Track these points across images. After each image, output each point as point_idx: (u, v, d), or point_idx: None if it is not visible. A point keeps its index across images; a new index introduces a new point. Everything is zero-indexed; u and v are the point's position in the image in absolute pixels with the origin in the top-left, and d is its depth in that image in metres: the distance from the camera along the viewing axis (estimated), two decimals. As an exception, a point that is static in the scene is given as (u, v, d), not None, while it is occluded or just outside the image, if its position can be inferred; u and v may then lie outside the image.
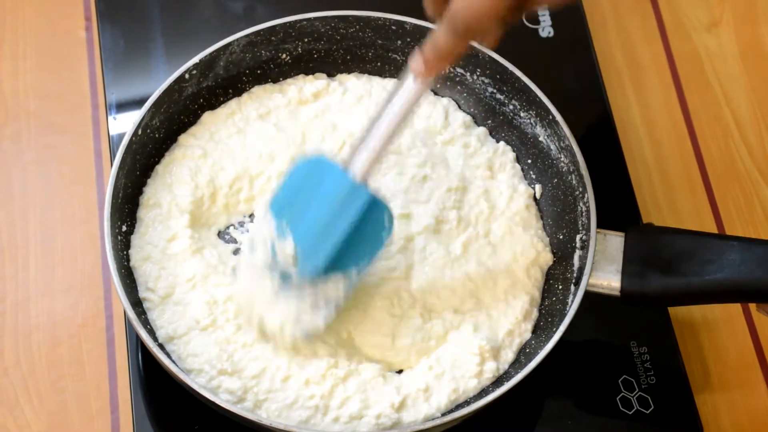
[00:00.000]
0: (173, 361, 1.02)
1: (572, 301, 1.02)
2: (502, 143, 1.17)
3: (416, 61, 0.91)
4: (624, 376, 1.13)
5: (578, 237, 1.08)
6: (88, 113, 1.28)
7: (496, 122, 1.19)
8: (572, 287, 1.05)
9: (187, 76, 1.11)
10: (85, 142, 1.26)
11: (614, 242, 1.04)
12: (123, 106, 1.22)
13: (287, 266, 0.99)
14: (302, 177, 0.99)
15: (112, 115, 1.22)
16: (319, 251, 0.97)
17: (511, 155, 1.17)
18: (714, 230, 1.27)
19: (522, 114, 1.15)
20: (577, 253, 1.07)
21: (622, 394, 1.13)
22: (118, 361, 1.16)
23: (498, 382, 1.05)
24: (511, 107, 1.16)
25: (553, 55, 1.29)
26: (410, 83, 0.93)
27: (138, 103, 1.13)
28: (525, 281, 1.10)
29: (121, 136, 1.08)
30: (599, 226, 1.05)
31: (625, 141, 1.29)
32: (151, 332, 1.05)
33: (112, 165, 1.07)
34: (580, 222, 1.08)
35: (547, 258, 1.11)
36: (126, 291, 1.03)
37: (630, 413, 1.11)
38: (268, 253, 1.00)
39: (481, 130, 1.18)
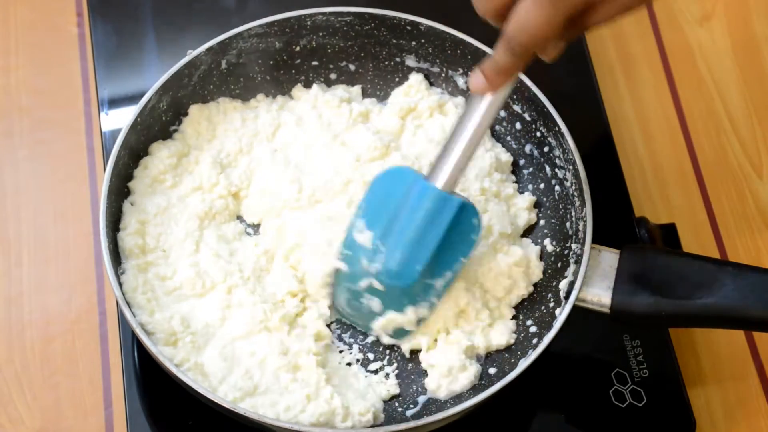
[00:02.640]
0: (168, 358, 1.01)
1: (560, 314, 1.02)
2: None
3: (476, 77, 0.93)
4: (617, 369, 1.13)
5: (573, 250, 1.08)
6: (80, 109, 1.27)
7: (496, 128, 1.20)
8: (563, 300, 1.05)
9: (198, 62, 1.11)
10: (78, 138, 1.26)
11: (608, 259, 1.03)
12: (115, 102, 1.21)
13: (372, 277, 1.02)
14: (387, 188, 1.02)
15: (105, 111, 1.21)
16: (416, 261, 1.01)
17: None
18: (706, 224, 1.27)
19: (527, 125, 1.15)
20: (571, 267, 1.07)
21: (615, 387, 1.12)
22: (112, 357, 1.15)
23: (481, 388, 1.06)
24: (516, 117, 1.17)
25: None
26: (477, 100, 0.95)
27: (131, 99, 1.13)
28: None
29: (113, 132, 1.10)
30: (594, 230, 1.05)
31: (618, 135, 1.28)
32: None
33: (105, 161, 1.06)
34: (576, 235, 1.08)
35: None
36: (120, 285, 1.03)
37: (623, 406, 1.11)
38: (360, 265, 1.02)
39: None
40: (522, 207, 1.14)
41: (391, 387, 1.07)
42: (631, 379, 1.12)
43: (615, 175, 1.22)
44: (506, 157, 1.17)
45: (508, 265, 1.09)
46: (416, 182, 1.00)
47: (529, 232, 1.15)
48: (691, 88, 1.34)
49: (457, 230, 1.01)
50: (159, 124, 1.12)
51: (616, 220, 1.18)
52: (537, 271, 1.11)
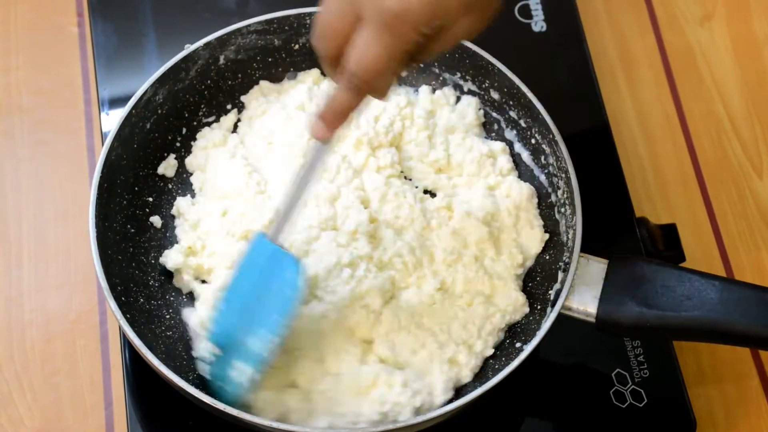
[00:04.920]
0: (162, 360, 0.99)
1: (545, 322, 1.00)
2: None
3: (316, 125, 0.91)
4: (617, 369, 1.12)
5: (563, 259, 1.06)
6: (80, 109, 1.27)
7: (492, 135, 1.18)
8: (549, 309, 1.04)
9: (195, 56, 1.11)
10: (78, 138, 1.25)
11: (596, 268, 1.02)
12: (116, 102, 1.21)
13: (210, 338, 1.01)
14: (247, 255, 1.00)
15: (105, 111, 1.21)
16: (230, 316, 0.99)
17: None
18: (707, 224, 1.27)
19: (523, 131, 1.14)
20: (560, 275, 1.05)
21: (616, 387, 1.11)
22: (112, 357, 1.15)
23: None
24: (512, 123, 1.15)
25: (545, 49, 1.28)
26: (314, 147, 0.93)
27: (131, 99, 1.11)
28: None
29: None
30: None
31: (618, 135, 1.27)
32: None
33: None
34: (566, 244, 1.07)
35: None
36: (111, 286, 1.01)
37: (623, 407, 1.10)
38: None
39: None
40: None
41: None
42: (632, 379, 1.12)
43: (615, 175, 1.21)
44: (508, 167, 1.16)
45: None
46: (260, 243, 0.99)
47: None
48: (691, 88, 1.33)
49: (276, 285, 0.97)
50: (155, 117, 1.11)
51: (617, 221, 1.18)
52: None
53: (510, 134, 1.16)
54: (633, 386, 1.11)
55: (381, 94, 0.87)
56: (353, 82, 0.85)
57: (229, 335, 0.98)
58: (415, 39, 0.83)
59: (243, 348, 0.98)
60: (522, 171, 1.15)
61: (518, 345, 1.06)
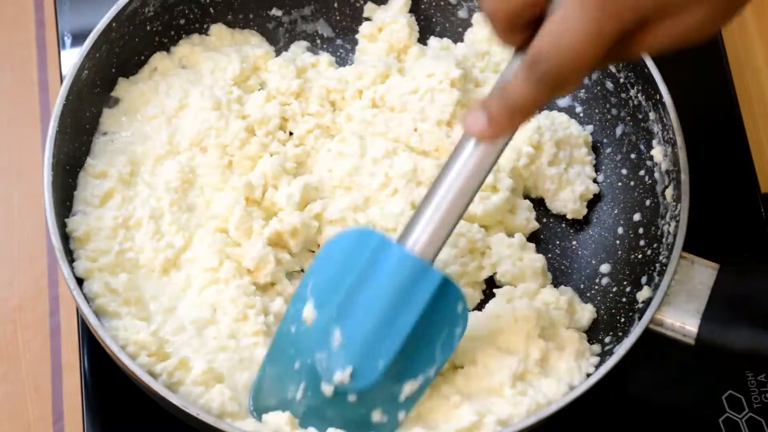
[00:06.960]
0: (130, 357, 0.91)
1: (623, 342, 0.93)
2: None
3: (475, 117, 0.81)
4: (729, 391, 1.05)
5: (659, 258, 0.99)
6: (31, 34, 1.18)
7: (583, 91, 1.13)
8: (635, 320, 0.98)
9: None
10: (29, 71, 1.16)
11: (702, 274, 0.95)
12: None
13: (330, 377, 0.89)
14: (346, 254, 0.90)
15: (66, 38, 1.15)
16: (378, 354, 0.88)
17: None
18: None
19: (623, 87, 1.08)
20: (654, 281, 0.99)
21: (727, 414, 1.04)
22: (65, 356, 1.04)
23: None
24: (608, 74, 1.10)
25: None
26: (473, 145, 0.85)
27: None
28: None
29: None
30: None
31: (743, 88, 1.20)
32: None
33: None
34: (664, 238, 1.00)
35: None
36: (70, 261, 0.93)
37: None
38: (308, 358, 0.91)
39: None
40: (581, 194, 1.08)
41: None
42: (749, 405, 1.04)
43: (736, 139, 1.14)
44: (578, 131, 1.10)
45: None
46: (384, 247, 0.88)
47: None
48: None
49: (434, 317, 0.89)
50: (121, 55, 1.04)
51: (735, 207, 1.12)
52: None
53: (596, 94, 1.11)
54: (750, 414, 1.04)
55: (569, 89, 0.78)
56: (542, 70, 0.75)
57: (357, 372, 0.88)
58: (632, 20, 0.74)
59: (389, 389, 0.90)
60: (607, 142, 1.10)
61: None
